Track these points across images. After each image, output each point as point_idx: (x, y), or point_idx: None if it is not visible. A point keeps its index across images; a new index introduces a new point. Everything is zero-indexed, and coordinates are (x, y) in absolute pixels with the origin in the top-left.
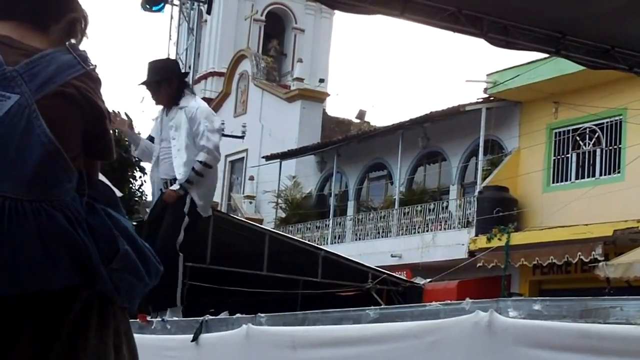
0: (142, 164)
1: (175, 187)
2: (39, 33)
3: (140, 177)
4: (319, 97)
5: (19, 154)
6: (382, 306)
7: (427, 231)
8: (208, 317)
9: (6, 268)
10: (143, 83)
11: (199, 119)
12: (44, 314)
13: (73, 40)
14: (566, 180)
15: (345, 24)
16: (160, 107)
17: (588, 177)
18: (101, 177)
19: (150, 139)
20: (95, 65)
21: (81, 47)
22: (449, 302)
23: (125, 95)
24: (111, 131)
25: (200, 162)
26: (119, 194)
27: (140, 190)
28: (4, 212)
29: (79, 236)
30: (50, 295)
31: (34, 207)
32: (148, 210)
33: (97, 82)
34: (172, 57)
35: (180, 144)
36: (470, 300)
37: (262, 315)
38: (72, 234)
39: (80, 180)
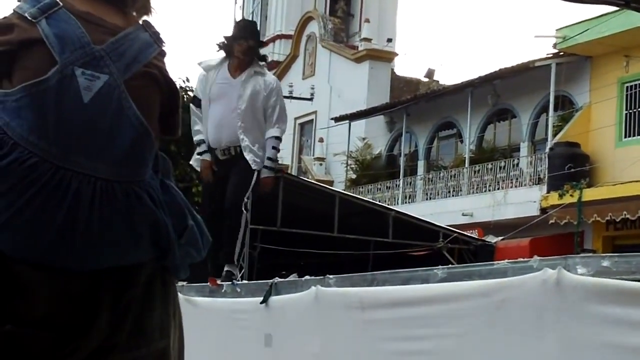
0: None
1: (269, 173)
2: (115, 9)
3: None
4: (387, 57)
5: (110, 135)
6: (450, 265)
7: (498, 189)
8: (277, 279)
9: (93, 246)
10: (228, 38)
11: (277, 94)
12: (119, 286)
13: (147, 18)
14: (638, 135)
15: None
16: (213, 69)
17: None
18: None
19: (194, 99)
20: (164, 43)
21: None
22: (517, 260)
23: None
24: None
25: (277, 137)
26: None
27: None
28: (96, 193)
29: (161, 216)
30: (124, 269)
31: (124, 188)
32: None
33: (166, 60)
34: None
35: (251, 113)
36: (538, 258)
37: (331, 276)
38: (157, 215)
39: (155, 158)
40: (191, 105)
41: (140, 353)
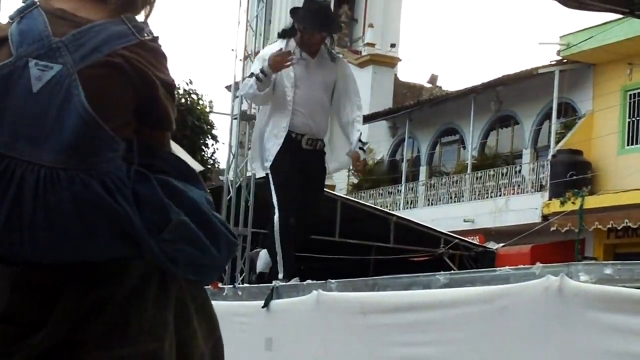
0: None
1: (363, 155)
2: (95, 4)
3: (213, 144)
4: (390, 62)
5: (55, 123)
6: (452, 271)
7: (500, 196)
8: (279, 283)
9: (41, 237)
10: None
11: (355, 86)
12: (88, 282)
13: (142, 14)
14: None
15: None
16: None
17: None
18: (179, 149)
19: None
20: (154, 36)
21: (149, 19)
22: (519, 266)
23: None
24: (167, 101)
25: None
26: (198, 168)
27: (213, 158)
28: (39, 180)
29: (117, 204)
30: (96, 267)
31: (69, 175)
32: (221, 177)
33: (153, 52)
34: (242, 24)
35: (333, 101)
36: (541, 265)
37: (333, 281)
38: (109, 202)
39: (129, 149)
40: (253, 79)
41: (123, 352)
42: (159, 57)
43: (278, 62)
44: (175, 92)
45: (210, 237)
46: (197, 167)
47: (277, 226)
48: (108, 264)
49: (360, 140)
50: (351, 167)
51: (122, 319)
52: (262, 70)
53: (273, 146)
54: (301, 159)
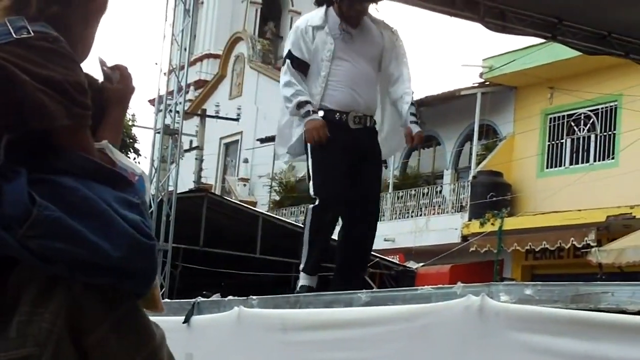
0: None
1: (417, 128)
2: None
3: (135, 158)
4: None
5: None
6: (373, 289)
7: (421, 215)
8: (200, 299)
9: None
10: None
11: (404, 57)
12: None
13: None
14: (560, 166)
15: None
16: (319, 21)
17: (582, 162)
18: (117, 153)
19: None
20: (42, 34)
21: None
22: (440, 286)
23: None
24: (45, 97)
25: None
26: (138, 170)
27: None
28: None
29: None
30: None
31: None
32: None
33: (35, 49)
34: (168, 38)
35: (381, 75)
36: (462, 285)
37: (254, 297)
38: None
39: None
40: (287, 64)
41: None
42: (44, 54)
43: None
44: (74, 86)
45: (102, 235)
46: (136, 169)
47: (309, 218)
48: None
49: (413, 114)
50: (405, 144)
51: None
52: (299, 105)
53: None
54: (350, 140)
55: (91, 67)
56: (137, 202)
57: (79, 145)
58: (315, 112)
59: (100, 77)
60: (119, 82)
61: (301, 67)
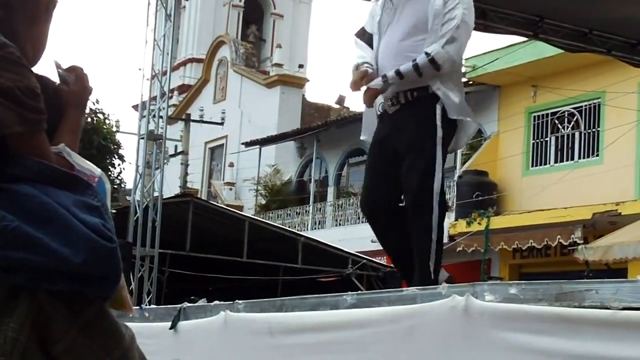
0: (120, 151)
1: (377, 84)
2: None
3: (119, 164)
4: (298, 83)
5: None
6: (359, 292)
7: None
8: (186, 304)
9: None
10: None
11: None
12: None
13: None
14: (545, 164)
15: (323, 10)
16: None
17: (567, 160)
18: (75, 156)
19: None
20: None
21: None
22: (425, 286)
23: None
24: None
25: (428, 54)
26: (97, 172)
27: (119, 177)
28: None
29: None
30: None
31: None
32: (128, 198)
33: None
34: (150, 43)
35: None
36: (447, 285)
37: (240, 302)
38: None
39: None
40: (355, 38)
41: None
42: None
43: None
44: (25, 92)
45: (62, 241)
46: (94, 170)
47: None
48: None
49: (396, 71)
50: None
51: None
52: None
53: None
54: (389, 128)
55: (47, 68)
56: (96, 204)
57: (34, 150)
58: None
59: (56, 80)
60: (75, 84)
61: (365, 35)
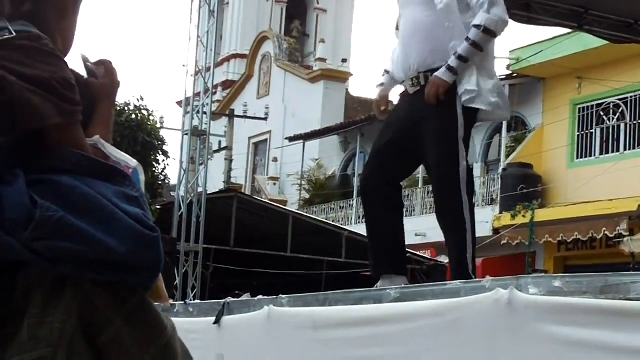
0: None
1: (444, 75)
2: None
3: (164, 160)
4: (341, 77)
5: None
6: (403, 285)
7: None
8: (230, 299)
9: None
10: None
11: None
12: None
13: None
14: (590, 156)
15: (366, 3)
16: None
17: (612, 152)
18: (110, 147)
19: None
20: (25, 33)
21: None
22: (469, 280)
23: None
24: (34, 96)
25: (479, 27)
26: (132, 163)
27: (164, 173)
28: None
29: None
30: None
31: None
32: (172, 194)
33: (21, 49)
34: (193, 40)
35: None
36: (490, 278)
37: (284, 296)
38: None
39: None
40: (395, 32)
41: None
42: (28, 53)
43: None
44: (62, 83)
45: (107, 231)
46: (131, 162)
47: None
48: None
49: (460, 57)
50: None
51: (9, 330)
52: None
53: None
54: (408, 110)
55: (74, 62)
56: (135, 195)
57: (72, 142)
58: (383, 83)
59: (83, 73)
60: (104, 77)
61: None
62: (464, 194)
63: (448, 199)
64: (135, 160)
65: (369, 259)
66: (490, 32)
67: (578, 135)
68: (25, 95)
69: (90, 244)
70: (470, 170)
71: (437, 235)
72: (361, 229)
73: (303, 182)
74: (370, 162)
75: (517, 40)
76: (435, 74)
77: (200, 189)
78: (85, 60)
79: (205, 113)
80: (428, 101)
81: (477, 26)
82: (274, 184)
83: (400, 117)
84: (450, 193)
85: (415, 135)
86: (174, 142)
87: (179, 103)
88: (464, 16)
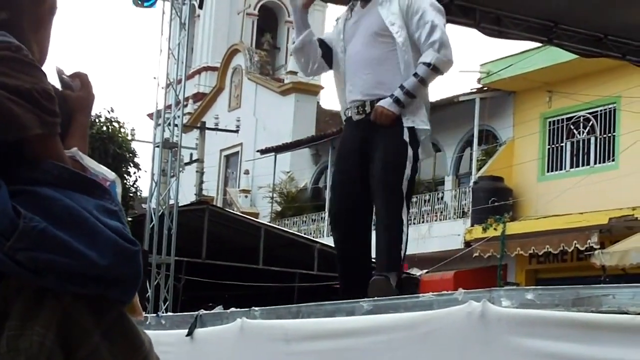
0: (136, 159)
1: (388, 104)
2: None
3: (135, 172)
4: (313, 90)
5: None
6: (375, 298)
7: (423, 222)
8: (202, 311)
9: None
10: None
11: (423, 8)
12: None
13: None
14: (561, 169)
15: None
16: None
17: (583, 165)
18: (88, 159)
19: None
20: (2, 43)
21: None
22: (442, 292)
23: (118, 92)
24: (14, 106)
25: (427, 64)
26: (110, 176)
27: (135, 186)
28: None
29: None
30: None
31: None
32: (144, 206)
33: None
34: (164, 52)
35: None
36: (463, 291)
37: (256, 309)
38: None
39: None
40: None
41: None
42: (9, 63)
43: None
44: (42, 94)
45: (88, 243)
46: (109, 175)
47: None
48: None
49: (402, 88)
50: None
51: None
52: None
53: None
54: (358, 137)
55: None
56: (115, 209)
57: (51, 153)
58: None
59: (58, 86)
60: (80, 90)
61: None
62: (403, 194)
63: (390, 193)
64: (113, 173)
65: (339, 282)
66: (437, 71)
67: (548, 149)
68: (7, 105)
69: (72, 256)
70: (412, 180)
71: (409, 247)
72: (333, 242)
73: (275, 195)
74: (336, 194)
75: (487, 54)
76: (381, 102)
77: (171, 201)
78: (60, 73)
79: (176, 125)
80: (380, 121)
81: (426, 64)
82: (246, 197)
83: (349, 149)
84: (393, 190)
85: (368, 159)
86: (145, 154)
87: (150, 115)
88: (412, 53)
